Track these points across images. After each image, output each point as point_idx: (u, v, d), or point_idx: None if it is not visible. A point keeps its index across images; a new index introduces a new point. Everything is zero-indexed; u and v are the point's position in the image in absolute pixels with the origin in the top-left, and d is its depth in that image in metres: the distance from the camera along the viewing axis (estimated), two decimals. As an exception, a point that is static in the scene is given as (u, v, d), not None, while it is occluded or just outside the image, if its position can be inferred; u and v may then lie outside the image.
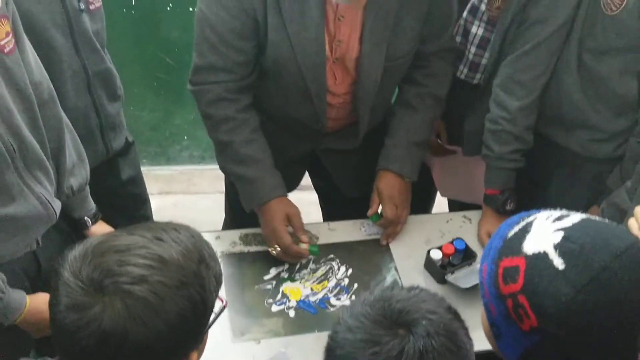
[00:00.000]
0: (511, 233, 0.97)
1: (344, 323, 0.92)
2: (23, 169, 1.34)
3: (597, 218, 0.95)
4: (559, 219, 0.94)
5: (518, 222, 0.98)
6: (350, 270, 1.73)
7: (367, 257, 1.77)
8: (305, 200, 2.21)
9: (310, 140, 1.86)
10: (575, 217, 0.94)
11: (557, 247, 0.89)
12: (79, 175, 1.58)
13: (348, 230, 1.84)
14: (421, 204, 2.25)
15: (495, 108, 1.75)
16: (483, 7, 1.75)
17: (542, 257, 0.89)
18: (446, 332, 0.92)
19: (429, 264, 1.74)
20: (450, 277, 1.67)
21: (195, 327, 0.90)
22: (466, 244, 1.72)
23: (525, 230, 0.95)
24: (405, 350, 0.86)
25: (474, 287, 1.61)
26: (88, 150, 1.68)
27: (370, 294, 0.98)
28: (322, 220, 2.14)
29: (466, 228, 1.88)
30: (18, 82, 1.32)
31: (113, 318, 0.81)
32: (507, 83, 1.72)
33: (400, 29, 1.61)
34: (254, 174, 1.70)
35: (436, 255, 1.71)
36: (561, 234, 0.90)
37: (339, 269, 1.73)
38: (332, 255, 1.77)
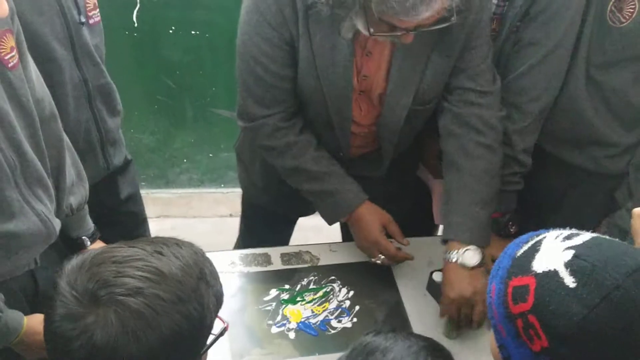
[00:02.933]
0: (520, 252, 0.95)
1: None
2: (24, 185, 1.33)
3: (607, 237, 0.94)
4: (568, 237, 0.93)
5: (527, 241, 0.97)
6: (351, 292, 1.71)
7: (368, 279, 1.75)
8: (305, 225, 2.21)
9: None
10: (586, 236, 0.93)
11: (567, 265, 0.88)
12: (78, 193, 1.57)
13: (350, 252, 1.82)
14: (425, 227, 2.23)
15: None
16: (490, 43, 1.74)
17: (553, 275, 0.88)
18: None
19: (432, 286, 1.72)
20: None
21: (191, 346, 0.88)
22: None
23: (534, 249, 0.94)
24: None
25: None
26: (89, 166, 1.66)
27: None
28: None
29: (468, 251, 1.86)
30: (21, 97, 1.32)
31: (105, 330, 0.80)
32: (503, 106, 1.69)
33: (431, 73, 1.57)
34: (332, 187, 1.69)
35: (439, 277, 1.69)
36: (572, 252, 0.89)
37: (340, 290, 1.72)
38: (333, 277, 1.75)
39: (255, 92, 1.63)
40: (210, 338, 0.95)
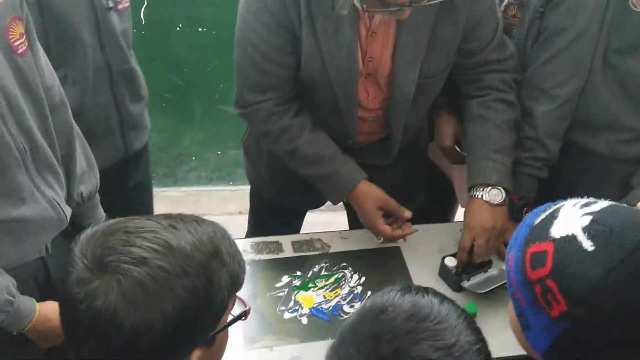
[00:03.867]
0: (538, 220, 0.95)
1: None
2: (34, 171, 1.33)
3: (625, 205, 0.94)
4: (586, 205, 0.93)
5: (545, 210, 0.97)
6: (363, 278, 1.70)
7: (380, 266, 1.74)
8: (315, 221, 2.20)
9: None
10: (603, 203, 0.93)
11: (585, 229, 0.87)
12: (89, 182, 1.57)
13: (361, 239, 1.82)
14: (443, 212, 2.23)
15: (521, 116, 1.74)
16: (499, 15, 1.74)
17: (571, 239, 0.87)
18: None
19: (444, 271, 1.71)
20: (466, 284, 1.64)
21: (197, 322, 0.86)
22: (481, 252, 1.69)
23: (552, 216, 0.94)
24: None
25: (491, 292, 1.59)
26: (107, 148, 1.68)
27: (364, 318, 0.85)
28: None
29: (480, 236, 1.85)
30: (30, 84, 1.32)
31: (106, 296, 0.79)
32: (530, 91, 1.72)
33: (434, 47, 1.58)
34: (328, 170, 1.69)
35: (451, 262, 1.68)
36: (590, 217, 0.89)
37: (351, 276, 1.71)
38: (344, 264, 1.74)
39: (251, 78, 1.62)
40: (228, 319, 0.94)
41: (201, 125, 3.29)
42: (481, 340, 0.80)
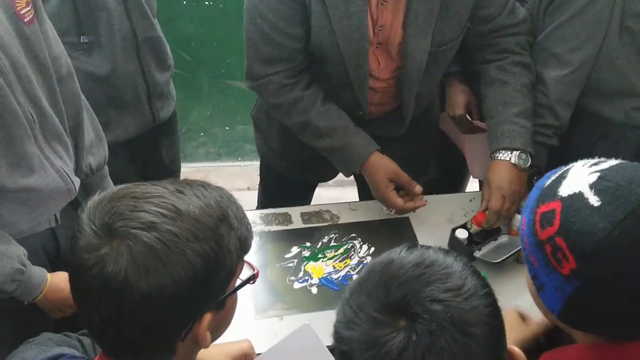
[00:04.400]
0: (548, 182, 0.96)
1: (344, 316, 0.82)
2: (43, 140, 1.33)
3: (635, 163, 0.93)
4: (595, 164, 0.93)
5: (555, 172, 0.97)
6: (372, 249, 1.70)
7: (389, 236, 1.74)
8: (324, 196, 2.20)
9: None
10: (612, 162, 0.93)
11: (592, 186, 0.88)
12: (98, 154, 1.57)
13: (370, 210, 1.82)
14: (453, 184, 2.22)
15: None
16: None
17: (578, 196, 0.88)
18: (453, 323, 0.75)
19: (455, 242, 1.70)
20: (478, 254, 1.63)
21: (207, 286, 0.85)
22: (489, 220, 1.69)
23: (562, 177, 0.94)
24: (405, 353, 0.74)
25: (503, 262, 1.59)
26: (135, 117, 1.69)
27: (374, 269, 0.85)
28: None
29: (490, 207, 1.85)
30: (37, 53, 1.31)
31: (116, 262, 0.79)
32: (542, 56, 1.70)
33: (446, 14, 1.56)
34: (340, 142, 1.68)
35: (462, 234, 1.67)
36: (597, 174, 0.89)
37: (361, 247, 1.71)
38: (354, 234, 1.74)
39: (261, 50, 1.61)
40: (237, 283, 0.94)
41: (209, 101, 3.28)
42: (488, 287, 0.81)
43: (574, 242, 0.86)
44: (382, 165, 1.68)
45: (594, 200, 0.86)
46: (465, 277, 0.79)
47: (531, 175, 1.74)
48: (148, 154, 1.97)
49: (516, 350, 0.84)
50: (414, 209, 1.72)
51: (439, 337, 0.73)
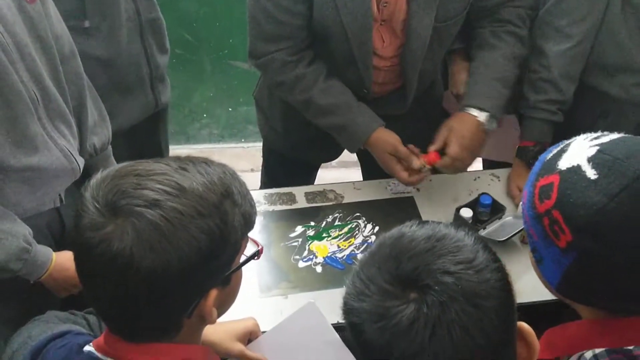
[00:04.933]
0: (549, 156, 0.95)
1: (354, 288, 0.81)
2: (46, 119, 1.33)
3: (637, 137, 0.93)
4: (597, 137, 0.92)
5: (557, 146, 0.97)
6: (376, 228, 1.70)
7: (393, 215, 1.74)
8: (327, 177, 2.19)
9: None
10: (614, 135, 0.92)
11: (590, 159, 0.87)
12: (101, 134, 1.57)
13: (374, 190, 1.82)
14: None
15: (534, 57, 1.72)
16: None
17: (575, 169, 0.88)
18: (464, 295, 0.74)
19: (460, 222, 1.70)
20: (483, 233, 1.64)
21: (213, 263, 0.85)
22: (493, 199, 1.69)
23: (562, 150, 0.94)
24: (415, 324, 0.74)
25: (508, 242, 1.59)
26: (138, 101, 1.69)
27: (384, 243, 0.84)
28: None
29: (494, 186, 1.85)
30: (40, 32, 1.31)
31: (121, 239, 0.78)
32: (545, 30, 1.69)
33: None
34: (343, 120, 1.69)
35: (466, 213, 1.67)
36: (596, 148, 0.89)
37: (365, 226, 1.71)
38: (358, 213, 1.74)
39: (264, 28, 1.61)
40: (242, 259, 0.94)
41: (212, 82, 3.26)
42: (499, 261, 0.80)
43: (570, 215, 0.86)
44: (383, 140, 1.69)
45: (591, 174, 0.86)
46: (477, 250, 0.78)
47: (536, 152, 1.73)
48: (147, 141, 1.97)
49: (525, 326, 0.84)
50: (417, 182, 1.71)
51: (449, 308, 0.73)
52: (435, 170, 1.76)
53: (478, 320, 0.73)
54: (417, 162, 1.66)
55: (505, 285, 0.78)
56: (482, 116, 1.65)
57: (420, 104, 1.83)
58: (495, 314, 0.75)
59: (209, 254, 0.83)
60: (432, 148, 1.65)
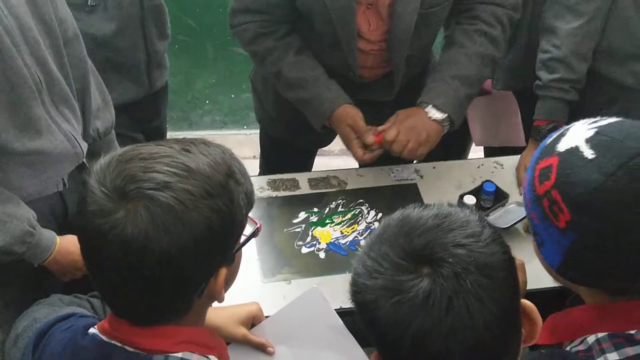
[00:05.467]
0: (549, 140, 0.97)
1: (364, 266, 0.81)
2: (50, 103, 1.33)
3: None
4: (595, 121, 0.94)
5: (558, 131, 0.98)
6: (380, 214, 1.70)
7: (397, 202, 1.69)
8: (328, 165, 2.19)
9: (345, 91, 1.80)
10: (612, 119, 0.93)
11: (588, 140, 0.89)
12: (105, 118, 1.57)
13: (377, 176, 1.81)
14: (456, 151, 2.21)
15: (545, 37, 1.72)
16: None
17: (574, 150, 0.89)
18: (477, 267, 0.75)
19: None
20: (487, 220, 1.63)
21: (223, 241, 0.86)
22: (496, 186, 1.68)
23: (561, 134, 0.95)
24: (431, 296, 0.74)
25: (510, 228, 1.59)
26: (132, 84, 1.69)
27: (390, 224, 0.84)
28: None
29: (498, 173, 1.84)
30: (44, 15, 1.30)
31: (136, 223, 0.78)
32: (556, 9, 1.69)
33: None
34: (309, 95, 1.71)
35: (470, 200, 1.67)
36: (595, 130, 0.90)
37: (368, 213, 1.71)
38: (361, 200, 1.74)
39: (242, 0, 1.67)
40: (242, 239, 0.94)
41: (214, 68, 3.25)
42: (502, 237, 0.81)
43: (568, 194, 0.87)
44: (345, 113, 1.70)
45: (589, 153, 0.87)
46: (483, 226, 0.79)
47: (548, 131, 1.73)
48: (148, 120, 1.98)
49: (527, 302, 0.84)
50: (368, 160, 1.71)
51: (464, 279, 0.73)
52: (433, 158, 1.76)
53: (491, 291, 0.74)
54: (370, 139, 1.67)
55: (510, 259, 0.80)
56: (432, 112, 1.65)
57: (409, 91, 1.81)
58: (505, 284, 0.76)
59: (220, 233, 0.84)
60: (380, 128, 1.68)
